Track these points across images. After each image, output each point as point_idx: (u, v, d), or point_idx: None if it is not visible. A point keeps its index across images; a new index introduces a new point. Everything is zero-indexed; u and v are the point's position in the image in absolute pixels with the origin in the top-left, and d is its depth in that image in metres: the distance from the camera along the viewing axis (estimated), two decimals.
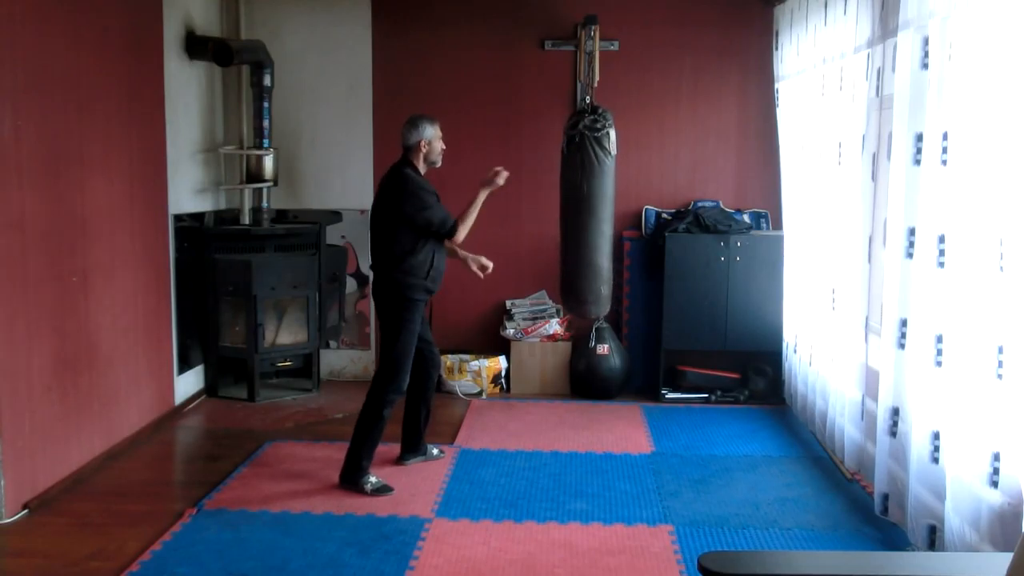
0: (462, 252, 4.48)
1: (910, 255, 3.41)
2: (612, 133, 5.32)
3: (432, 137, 4.27)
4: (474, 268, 4.46)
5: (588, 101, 5.60)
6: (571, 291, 5.52)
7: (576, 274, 5.43)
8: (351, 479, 4.19)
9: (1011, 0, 2.77)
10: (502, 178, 4.40)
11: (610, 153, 5.34)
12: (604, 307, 5.54)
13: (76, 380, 4.33)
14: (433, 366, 4.53)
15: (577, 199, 5.37)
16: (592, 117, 5.31)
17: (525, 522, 3.86)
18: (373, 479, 4.19)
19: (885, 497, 3.72)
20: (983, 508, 2.94)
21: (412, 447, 4.61)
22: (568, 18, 6.08)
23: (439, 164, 4.37)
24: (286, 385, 6.04)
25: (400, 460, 4.59)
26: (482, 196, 4.35)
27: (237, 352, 5.72)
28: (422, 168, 4.30)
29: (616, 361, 5.88)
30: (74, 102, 4.28)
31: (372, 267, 4.34)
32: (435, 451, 4.70)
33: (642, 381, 6.06)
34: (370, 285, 6.23)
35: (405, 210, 4.14)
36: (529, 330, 6.01)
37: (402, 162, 4.29)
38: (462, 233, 4.24)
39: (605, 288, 5.47)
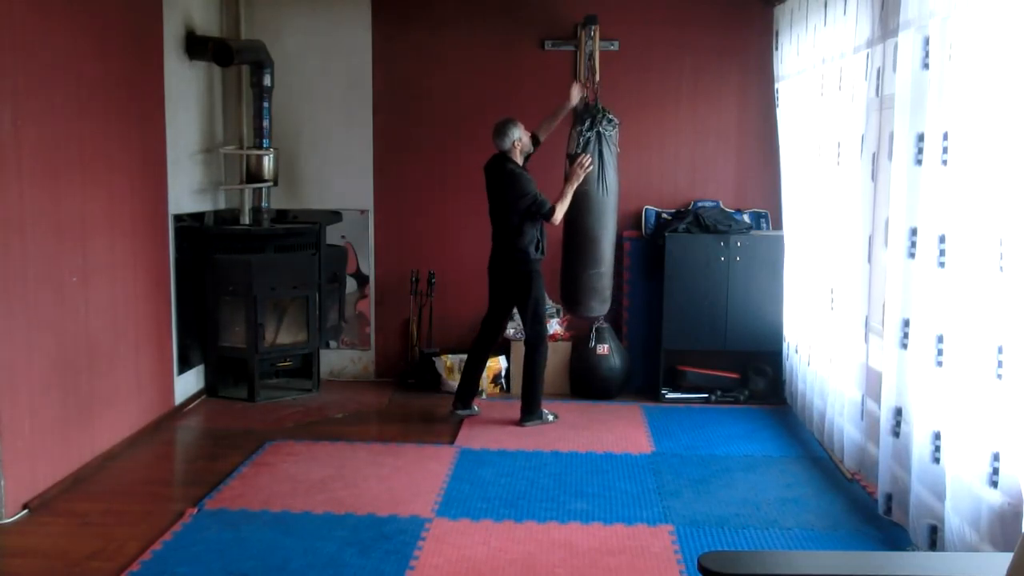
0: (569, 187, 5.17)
1: (912, 255, 3.41)
2: (614, 129, 5.35)
3: (520, 135, 5.14)
4: (581, 173, 5.16)
5: (590, 100, 5.60)
6: (571, 290, 5.52)
7: (576, 274, 5.43)
8: (534, 414, 5.25)
9: (1011, 0, 2.77)
10: (584, 170, 5.15)
11: (617, 150, 5.37)
12: (604, 305, 5.54)
13: (76, 380, 4.32)
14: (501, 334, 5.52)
15: (579, 198, 5.37)
16: (608, 118, 5.33)
17: (525, 522, 3.86)
18: (545, 415, 5.30)
19: (888, 497, 3.72)
20: (983, 508, 2.94)
21: (466, 401, 5.38)
22: (568, 18, 6.08)
23: (532, 151, 5.27)
24: (286, 385, 6.04)
25: (452, 412, 5.37)
26: (571, 189, 5.15)
27: (237, 352, 5.72)
28: (520, 161, 5.16)
29: (616, 361, 5.88)
30: (74, 102, 4.28)
31: (494, 246, 5.24)
32: (477, 409, 5.46)
33: (642, 381, 6.06)
34: (370, 285, 6.30)
35: (515, 198, 5.07)
36: None
37: (503, 157, 5.17)
38: (558, 216, 5.08)
39: (605, 286, 5.47)
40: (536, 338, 5.24)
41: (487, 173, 5.24)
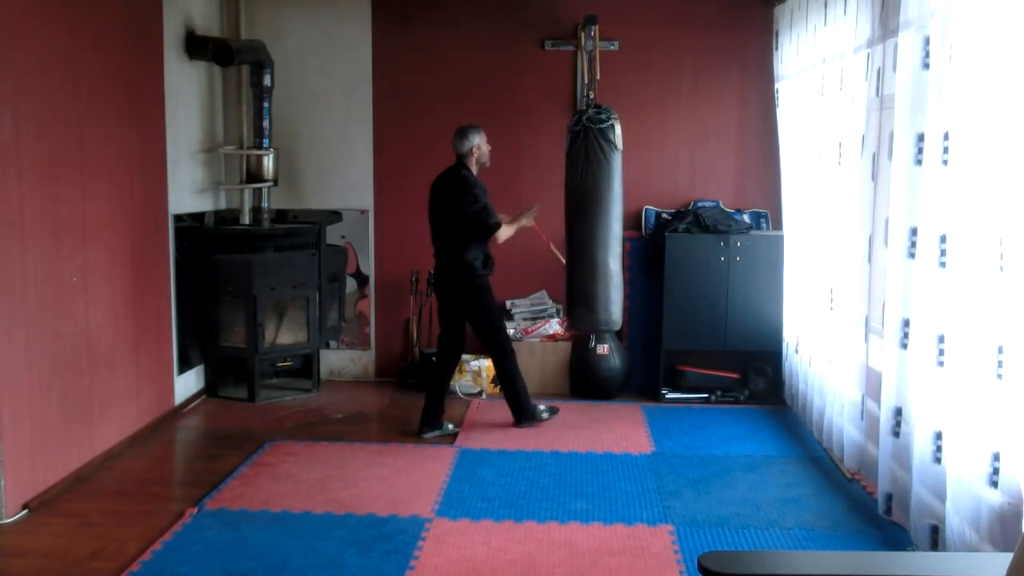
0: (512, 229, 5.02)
1: (912, 255, 3.41)
2: (617, 126, 5.34)
3: (480, 142, 4.95)
4: (529, 223, 5.11)
5: (592, 99, 5.61)
6: (580, 300, 5.48)
7: (584, 281, 5.41)
8: (526, 416, 5.14)
9: (1012, 0, 2.77)
10: (528, 216, 5.11)
11: (615, 147, 5.35)
12: (615, 316, 5.52)
13: (76, 380, 4.32)
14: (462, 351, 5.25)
15: (583, 198, 5.38)
16: (595, 110, 5.33)
17: (525, 522, 3.86)
18: (542, 407, 5.23)
19: (888, 497, 3.72)
20: (983, 508, 2.94)
21: (432, 422, 5.07)
22: (568, 18, 6.08)
23: (488, 164, 5.03)
24: (286, 385, 6.04)
25: (420, 433, 5.05)
26: (517, 224, 5.04)
27: (237, 352, 5.72)
28: (475, 171, 4.96)
29: (616, 361, 5.88)
30: (74, 102, 4.28)
31: (438, 262, 5.01)
32: (450, 426, 5.14)
33: (642, 381, 6.06)
34: (370, 285, 6.30)
35: (462, 205, 4.84)
36: (529, 330, 6.01)
37: (458, 165, 4.96)
38: (500, 238, 4.93)
39: (616, 295, 5.46)
40: (499, 349, 5.09)
41: (435, 187, 5.01)
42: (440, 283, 5.06)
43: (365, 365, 6.38)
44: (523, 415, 5.16)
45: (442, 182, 4.99)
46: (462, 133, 4.95)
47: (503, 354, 5.09)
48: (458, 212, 4.85)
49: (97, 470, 4.42)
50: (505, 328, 5.23)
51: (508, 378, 5.13)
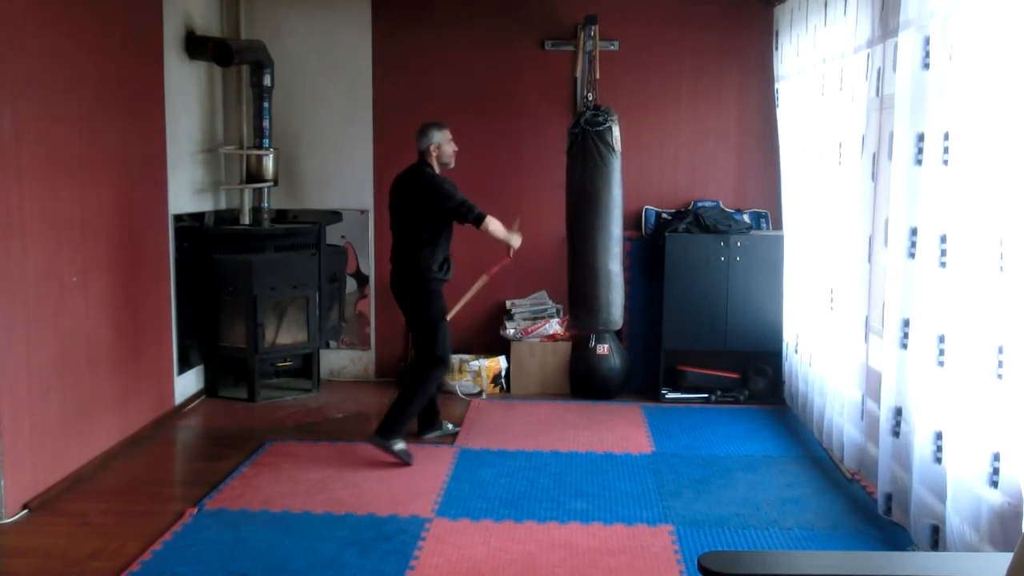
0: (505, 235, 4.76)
1: (912, 255, 3.41)
2: (615, 128, 5.34)
3: (441, 141, 4.69)
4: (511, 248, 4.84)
5: (591, 100, 5.61)
6: (580, 301, 5.50)
7: (584, 282, 5.42)
8: (391, 435, 4.58)
9: (1012, 0, 2.77)
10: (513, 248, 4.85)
11: (614, 150, 5.36)
12: (615, 316, 5.51)
13: (76, 380, 4.32)
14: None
15: (582, 200, 5.38)
16: (593, 112, 5.33)
17: (525, 522, 3.86)
18: (403, 445, 4.60)
19: (888, 497, 3.72)
20: (983, 508, 2.94)
21: (431, 423, 4.98)
22: (568, 18, 6.08)
23: (452, 165, 4.77)
24: (286, 385, 6.04)
25: (420, 434, 4.96)
26: (507, 233, 4.78)
27: (237, 352, 5.72)
28: (437, 170, 4.71)
29: (616, 361, 5.88)
30: (74, 102, 4.28)
31: (393, 260, 4.77)
32: (450, 426, 5.09)
33: (642, 381, 6.06)
34: (370, 285, 6.30)
35: (431, 203, 4.61)
36: (529, 330, 6.01)
37: (420, 163, 4.73)
38: (489, 226, 4.64)
39: (616, 296, 5.46)
40: (429, 357, 4.67)
41: (396, 186, 4.76)
42: (397, 286, 4.75)
43: (365, 365, 6.37)
44: (390, 431, 4.58)
45: (403, 181, 4.74)
46: (422, 130, 4.70)
47: (431, 364, 4.67)
48: (429, 211, 4.60)
49: (97, 470, 4.42)
50: (445, 340, 4.71)
51: (417, 389, 4.67)
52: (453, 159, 4.75)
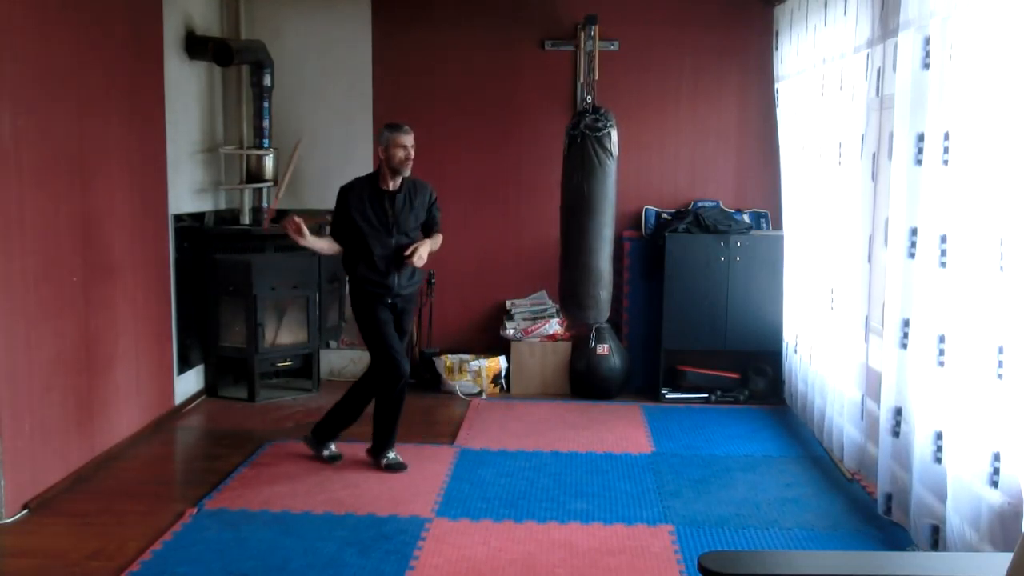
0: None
1: (912, 255, 3.41)
2: (614, 134, 5.34)
3: (387, 143, 4.30)
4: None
5: (590, 101, 5.61)
6: (571, 297, 5.54)
7: (575, 279, 5.45)
8: (320, 439, 4.57)
9: (1012, 0, 2.77)
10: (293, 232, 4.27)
11: (611, 154, 5.36)
12: (603, 313, 5.57)
13: (76, 380, 4.32)
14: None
15: (577, 201, 5.40)
16: (593, 117, 5.33)
17: (525, 522, 3.86)
18: (333, 450, 4.60)
19: (888, 497, 3.72)
20: (983, 508, 2.94)
21: (325, 434, 4.61)
22: (568, 18, 6.08)
23: (404, 171, 4.33)
24: (286, 385, 6.04)
25: (304, 439, 4.70)
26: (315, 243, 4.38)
27: (237, 352, 5.72)
28: (388, 173, 4.34)
29: (616, 361, 5.88)
30: (74, 102, 4.28)
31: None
32: (333, 448, 4.62)
33: (642, 381, 6.06)
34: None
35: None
36: (529, 330, 6.01)
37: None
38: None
39: (604, 293, 5.49)
40: (374, 369, 4.44)
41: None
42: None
43: (365, 365, 6.35)
44: (321, 435, 4.57)
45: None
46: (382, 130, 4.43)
47: (381, 377, 4.41)
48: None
49: (97, 470, 4.42)
50: (379, 353, 4.39)
51: (356, 394, 4.54)
52: (405, 165, 4.30)
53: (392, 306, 4.45)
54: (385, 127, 4.42)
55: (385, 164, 4.35)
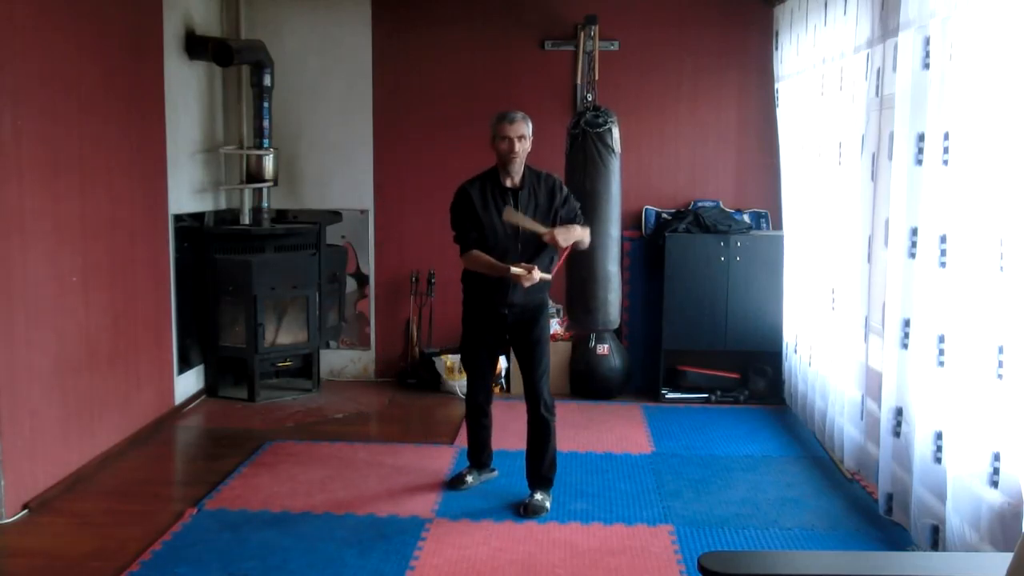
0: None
1: (912, 255, 3.41)
2: (615, 130, 5.33)
3: (492, 135, 3.99)
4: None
5: (590, 100, 5.61)
6: (578, 301, 5.48)
7: (582, 282, 5.41)
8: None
9: (1012, 0, 2.77)
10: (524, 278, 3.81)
11: (613, 151, 5.35)
12: (612, 317, 5.47)
13: (76, 380, 4.32)
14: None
15: (581, 200, 5.38)
16: (594, 114, 5.33)
17: (525, 522, 3.85)
18: (470, 478, 4.25)
19: (889, 497, 3.72)
20: (983, 508, 2.94)
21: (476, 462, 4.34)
22: (568, 18, 6.07)
23: (513, 165, 3.96)
24: (286, 385, 6.04)
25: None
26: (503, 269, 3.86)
27: (237, 352, 5.72)
28: (501, 168, 3.99)
29: (616, 361, 5.88)
30: (74, 102, 4.28)
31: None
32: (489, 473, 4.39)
33: (642, 381, 6.06)
34: (370, 285, 6.30)
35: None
36: None
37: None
38: (465, 263, 3.98)
39: (613, 296, 5.45)
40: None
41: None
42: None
43: (365, 365, 6.37)
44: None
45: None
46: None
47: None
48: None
49: (97, 470, 4.42)
50: (471, 374, 4.25)
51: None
52: (510, 159, 3.95)
53: (503, 318, 3.98)
54: (493, 117, 3.99)
55: (497, 158, 3.96)
